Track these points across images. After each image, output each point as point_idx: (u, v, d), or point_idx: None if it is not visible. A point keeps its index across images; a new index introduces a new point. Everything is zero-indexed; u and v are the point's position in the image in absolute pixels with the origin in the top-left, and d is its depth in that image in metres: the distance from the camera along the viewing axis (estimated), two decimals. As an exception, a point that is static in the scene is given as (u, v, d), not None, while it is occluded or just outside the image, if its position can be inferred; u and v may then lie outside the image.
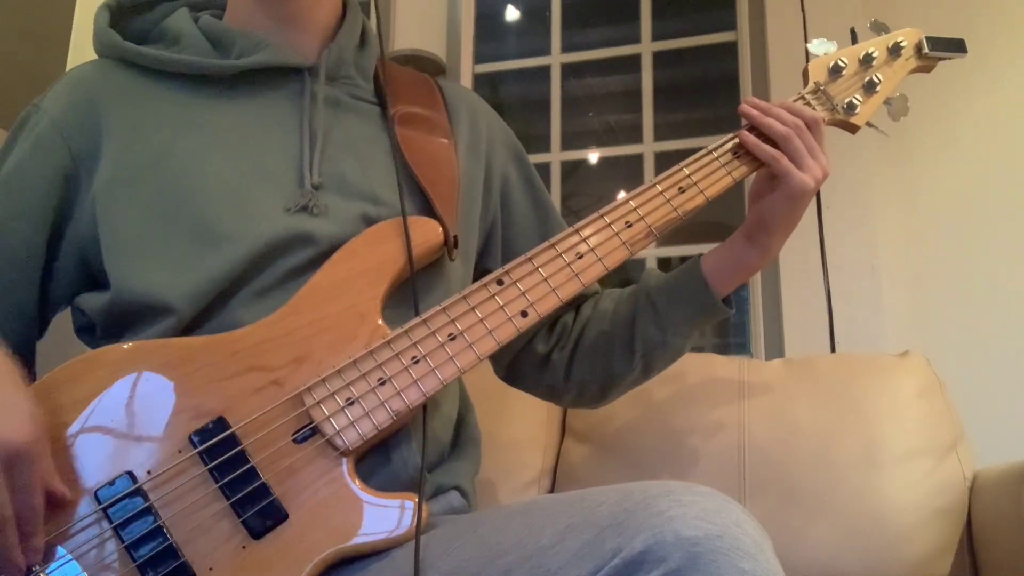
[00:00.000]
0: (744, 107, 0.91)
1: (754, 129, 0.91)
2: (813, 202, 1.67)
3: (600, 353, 0.97)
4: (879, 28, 0.99)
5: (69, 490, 0.67)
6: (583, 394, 1.01)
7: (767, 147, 0.88)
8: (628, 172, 2.11)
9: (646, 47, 2.12)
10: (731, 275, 0.92)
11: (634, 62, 2.12)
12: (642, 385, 1.00)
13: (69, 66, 1.94)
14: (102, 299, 0.81)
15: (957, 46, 1.00)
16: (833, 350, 1.63)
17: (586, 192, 2.20)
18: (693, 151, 0.92)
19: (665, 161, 1.96)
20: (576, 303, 1.02)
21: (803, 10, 1.80)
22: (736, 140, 0.91)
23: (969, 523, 1.14)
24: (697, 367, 1.29)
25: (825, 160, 0.89)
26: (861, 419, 1.18)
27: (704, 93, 2.16)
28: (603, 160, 2.16)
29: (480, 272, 0.98)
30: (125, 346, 0.75)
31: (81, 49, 1.99)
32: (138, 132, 0.84)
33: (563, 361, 0.99)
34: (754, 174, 0.92)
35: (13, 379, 0.67)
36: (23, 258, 0.83)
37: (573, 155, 2.14)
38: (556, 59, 2.20)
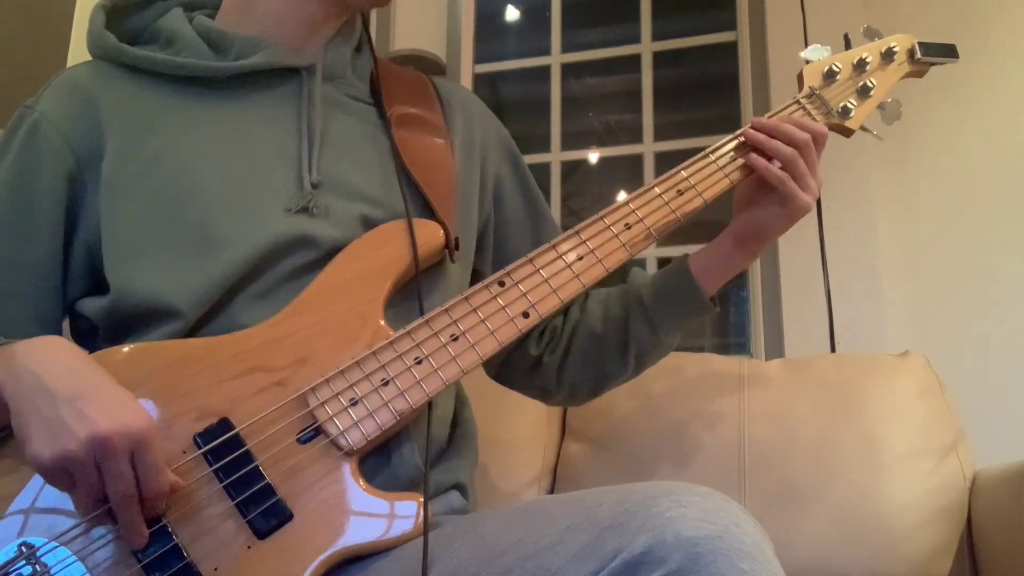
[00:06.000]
0: (750, 132, 0.91)
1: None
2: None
3: (592, 355, 0.97)
4: (872, 34, 1.01)
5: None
6: (574, 395, 1.02)
7: (775, 169, 0.88)
8: (628, 172, 2.11)
9: (646, 47, 2.12)
10: (719, 275, 0.94)
11: (634, 62, 2.12)
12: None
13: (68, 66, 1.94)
14: (105, 303, 0.81)
15: (949, 52, 1.01)
16: (833, 350, 1.63)
17: (586, 192, 2.20)
18: (693, 151, 0.92)
19: (665, 161, 1.96)
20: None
21: (803, 10, 1.80)
22: (734, 143, 0.92)
23: (969, 523, 1.14)
24: (697, 367, 1.29)
25: (820, 173, 0.90)
26: (861, 419, 1.18)
27: (704, 93, 2.16)
28: (603, 160, 2.16)
29: (472, 273, 0.98)
30: (125, 348, 0.75)
31: (81, 49, 1.99)
32: (136, 134, 0.84)
33: (554, 364, 0.99)
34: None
35: (106, 374, 0.69)
36: (45, 267, 0.83)
37: (573, 155, 2.14)
38: (556, 59, 2.20)
